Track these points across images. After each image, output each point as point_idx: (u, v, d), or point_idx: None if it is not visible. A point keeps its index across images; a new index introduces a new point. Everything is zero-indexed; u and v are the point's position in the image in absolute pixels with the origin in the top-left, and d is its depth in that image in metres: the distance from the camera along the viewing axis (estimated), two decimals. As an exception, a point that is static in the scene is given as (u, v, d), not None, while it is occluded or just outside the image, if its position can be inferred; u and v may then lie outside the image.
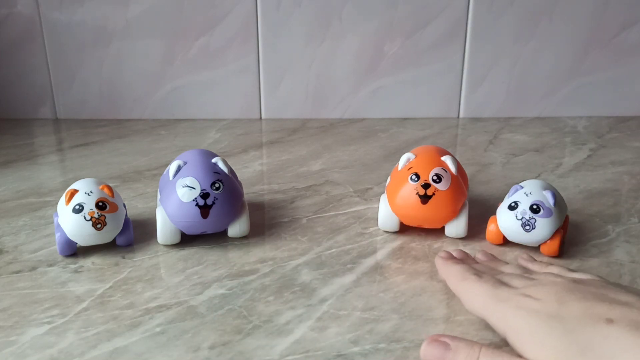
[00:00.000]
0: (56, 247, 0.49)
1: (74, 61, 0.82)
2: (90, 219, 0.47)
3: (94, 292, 0.44)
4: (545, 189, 0.49)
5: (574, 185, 0.63)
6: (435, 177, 0.50)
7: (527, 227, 0.47)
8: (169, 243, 0.50)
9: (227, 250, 0.50)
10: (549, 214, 0.47)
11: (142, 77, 0.83)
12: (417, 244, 0.51)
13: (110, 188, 0.50)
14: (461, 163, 0.54)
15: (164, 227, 0.49)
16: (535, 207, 0.47)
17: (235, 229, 0.51)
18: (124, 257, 0.49)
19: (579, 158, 0.71)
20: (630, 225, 0.54)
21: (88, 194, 0.48)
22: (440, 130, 0.82)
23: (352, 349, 0.38)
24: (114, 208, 0.48)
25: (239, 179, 0.55)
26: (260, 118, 0.86)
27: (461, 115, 0.86)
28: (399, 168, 0.52)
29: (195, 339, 0.39)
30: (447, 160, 0.51)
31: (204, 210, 0.48)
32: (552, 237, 0.48)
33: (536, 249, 0.49)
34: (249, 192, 0.62)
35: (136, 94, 0.84)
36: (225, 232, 0.51)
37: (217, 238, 0.52)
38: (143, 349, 0.38)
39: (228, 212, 0.50)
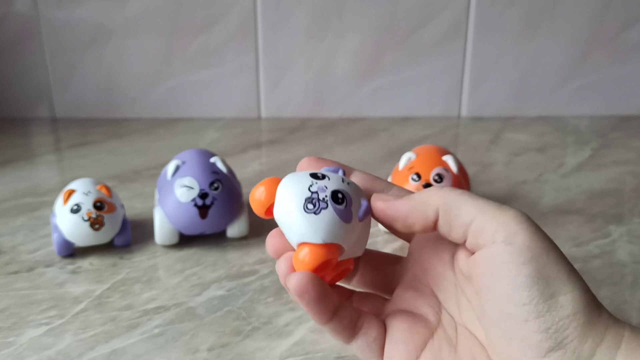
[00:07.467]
0: (54, 248, 0.49)
1: (72, 60, 0.82)
2: (88, 219, 0.47)
3: (91, 293, 0.44)
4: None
5: (576, 185, 0.63)
6: (436, 177, 0.49)
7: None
8: (167, 244, 0.50)
9: (226, 251, 0.50)
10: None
11: (141, 76, 0.83)
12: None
13: (108, 188, 0.49)
14: (462, 163, 0.54)
15: (162, 228, 0.49)
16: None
17: (234, 230, 0.50)
18: (122, 258, 0.49)
19: (581, 158, 0.71)
20: (632, 226, 0.54)
21: (86, 194, 0.48)
22: (441, 129, 0.81)
23: (352, 351, 0.37)
24: (112, 208, 0.48)
25: (238, 179, 0.54)
26: (260, 117, 0.86)
27: (462, 115, 0.86)
28: (400, 168, 0.52)
29: (194, 340, 0.39)
30: (448, 159, 0.51)
31: (203, 210, 0.48)
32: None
33: None
34: (248, 192, 0.61)
35: (134, 93, 0.84)
36: (224, 232, 0.51)
37: (215, 238, 0.51)
38: (141, 350, 0.38)
39: (227, 213, 0.49)
